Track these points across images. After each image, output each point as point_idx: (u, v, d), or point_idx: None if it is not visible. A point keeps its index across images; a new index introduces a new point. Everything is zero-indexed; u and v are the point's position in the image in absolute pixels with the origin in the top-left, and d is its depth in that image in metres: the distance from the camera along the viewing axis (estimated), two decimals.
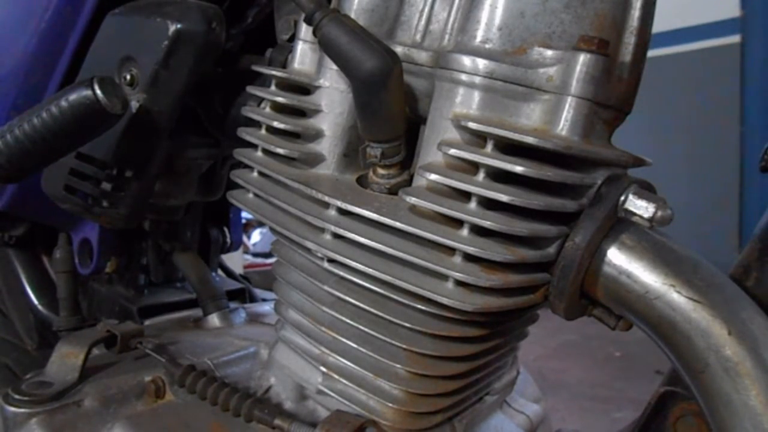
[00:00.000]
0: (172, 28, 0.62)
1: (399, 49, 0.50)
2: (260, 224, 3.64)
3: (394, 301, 0.48)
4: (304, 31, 0.57)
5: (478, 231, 0.44)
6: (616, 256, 0.45)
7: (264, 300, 0.99)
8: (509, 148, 0.44)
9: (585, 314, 0.50)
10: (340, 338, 0.51)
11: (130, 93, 0.64)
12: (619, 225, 0.45)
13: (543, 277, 0.46)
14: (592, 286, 0.46)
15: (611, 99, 0.46)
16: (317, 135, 0.54)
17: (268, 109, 0.57)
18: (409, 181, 0.50)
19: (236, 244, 1.08)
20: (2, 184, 0.81)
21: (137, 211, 0.69)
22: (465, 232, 0.44)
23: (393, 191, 0.50)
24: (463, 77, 0.44)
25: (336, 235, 0.49)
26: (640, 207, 0.45)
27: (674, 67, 3.62)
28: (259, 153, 0.57)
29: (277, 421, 0.51)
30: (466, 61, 0.44)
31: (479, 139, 0.45)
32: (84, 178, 0.67)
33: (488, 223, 0.43)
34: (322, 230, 0.49)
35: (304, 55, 0.57)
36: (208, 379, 0.56)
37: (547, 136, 0.43)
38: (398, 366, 0.49)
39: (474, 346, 0.50)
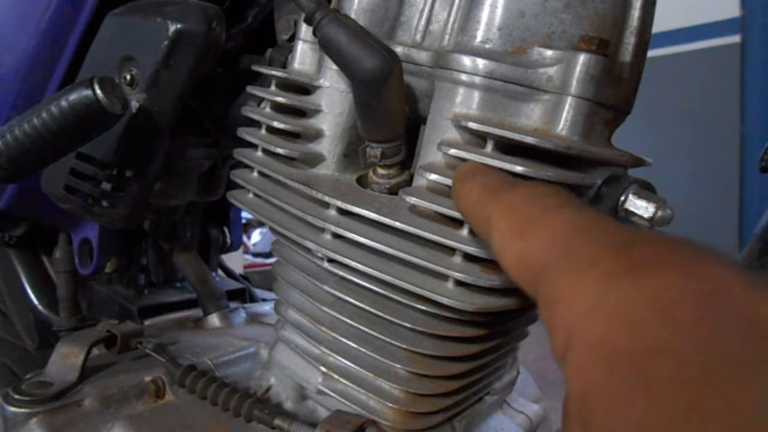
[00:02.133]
0: (172, 28, 0.62)
1: (399, 49, 0.50)
2: (260, 224, 3.64)
3: (394, 301, 0.48)
4: (304, 31, 0.57)
5: None
6: None
7: (264, 300, 0.99)
8: (509, 148, 0.44)
9: None
10: (340, 338, 0.51)
11: (130, 93, 0.64)
12: None
13: None
14: None
15: (611, 99, 0.46)
16: (317, 135, 0.54)
17: (268, 109, 0.57)
18: (409, 181, 0.50)
19: (236, 244, 1.08)
20: (2, 184, 0.81)
21: (137, 211, 0.69)
22: (465, 232, 0.44)
23: (393, 191, 0.50)
24: (463, 77, 0.44)
25: (336, 235, 0.49)
26: (640, 207, 0.45)
27: (674, 67, 3.62)
28: (259, 153, 0.57)
29: (277, 421, 0.51)
30: (466, 61, 0.44)
31: (479, 139, 0.45)
32: (84, 178, 0.67)
33: None
34: (322, 230, 0.49)
35: (304, 55, 0.57)
36: (208, 379, 0.56)
37: (547, 136, 0.43)
38: (398, 366, 0.49)
39: (474, 346, 0.50)
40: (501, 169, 0.41)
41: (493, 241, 0.31)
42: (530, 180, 0.41)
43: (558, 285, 0.26)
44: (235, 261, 2.67)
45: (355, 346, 0.50)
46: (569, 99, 0.43)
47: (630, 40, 0.47)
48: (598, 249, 0.25)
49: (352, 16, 0.51)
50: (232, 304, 0.86)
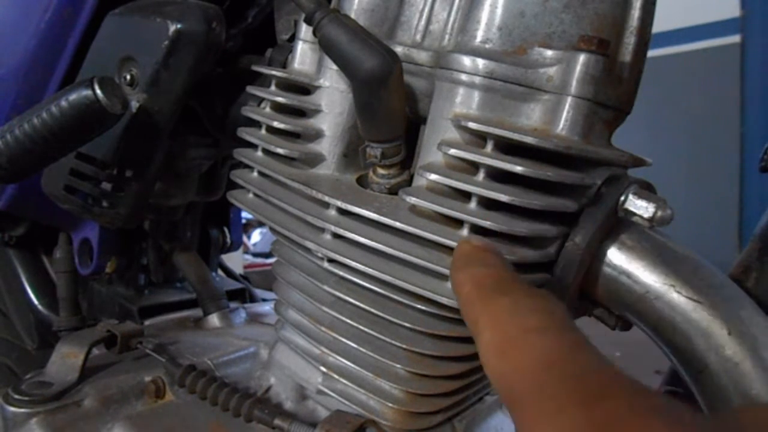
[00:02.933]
0: (172, 28, 0.62)
1: (399, 49, 0.50)
2: (260, 224, 3.64)
3: (394, 301, 0.48)
4: (304, 31, 0.57)
5: (478, 231, 0.44)
6: (616, 256, 0.45)
7: (264, 300, 0.99)
8: (509, 148, 0.44)
9: (585, 314, 0.50)
10: (340, 338, 0.51)
11: (130, 93, 0.64)
12: (619, 225, 0.45)
13: (543, 277, 0.46)
14: (592, 286, 0.46)
15: (611, 99, 0.46)
16: (317, 135, 0.54)
17: (268, 109, 0.57)
18: (409, 181, 0.50)
19: (236, 244, 1.08)
20: (2, 184, 0.81)
21: (137, 211, 0.69)
22: (465, 232, 0.44)
23: (393, 191, 0.50)
24: (463, 77, 0.44)
25: (336, 235, 0.49)
26: (640, 207, 0.45)
27: (674, 67, 3.63)
28: (259, 153, 0.57)
29: (277, 421, 0.51)
30: (466, 61, 0.44)
31: (479, 139, 0.45)
32: (84, 178, 0.67)
33: (488, 223, 0.43)
34: (322, 230, 0.49)
35: (304, 55, 0.57)
36: (208, 379, 0.56)
37: (547, 136, 0.43)
38: (398, 366, 0.49)
39: (474, 346, 0.50)
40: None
41: (478, 348, 0.34)
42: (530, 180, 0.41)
43: (527, 425, 0.28)
44: (235, 261, 2.67)
45: (355, 346, 0.50)
46: (569, 99, 0.43)
47: (630, 40, 0.47)
48: (566, 397, 0.27)
49: (352, 16, 0.51)
50: (232, 304, 0.86)
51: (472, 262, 0.38)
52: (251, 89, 0.59)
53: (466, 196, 0.44)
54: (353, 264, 0.47)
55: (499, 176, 0.44)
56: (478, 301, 0.35)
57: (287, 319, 0.57)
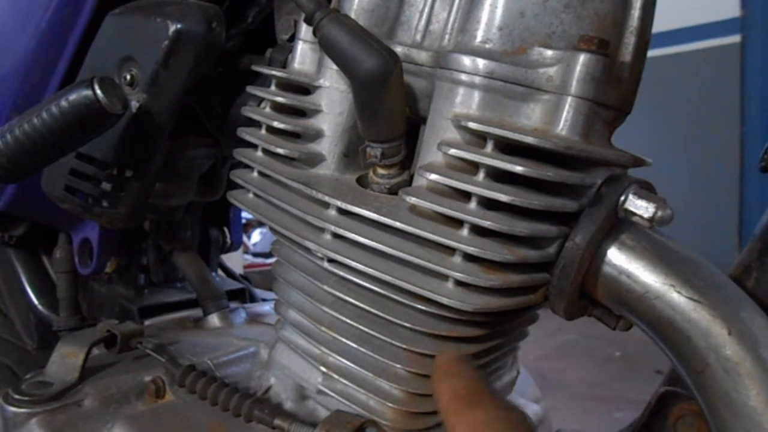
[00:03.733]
0: (172, 28, 0.62)
1: (399, 49, 0.50)
2: (260, 224, 3.64)
3: (394, 301, 0.48)
4: (304, 31, 0.57)
5: (478, 231, 0.44)
6: (616, 256, 0.45)
7: (264, 300, 0.99)
8: (509, 148, 0.44)
9: (585, 314, 0.50)
10: (340, 338, 0.51)
11: (130, 93, 0.64)
12: (619, 225, 0.45)
13: (543, 277, 0.46)
14: (592, 286, 0.46)
15: (611, 99, 0.46)
16: (317, 135, 0.54)
17: (268, 109, 0.57)
18: (409, 181, 0.50)
19: (236, 244, 1.08)
20: (2, 184, 0.81)
21: (137, 211, 0.69)
22: (465, 232, 0.44)
23: (393, 191, 0.50)
24: (463, 77, 0.44)
25: (336, 235, 0.49)
26: (640, 207, 0.45)
27: (674, 67, 3.63)
28: (259, 153, 0.57)
29: (277, 421, 0.51)
30: (466, 61, 0.44)
31: (479, 139, 0.45)
32: (84, 178, 0.67)
33: (488, 223, 0.43)
34: (322, 230, 0.49)
35: (304, 55, 0.57)
36: (208, 379, 0.56)
37: (547, 136, 0.43)
38: (398, 366, 0.49)
39: (474, 346, 0.50)
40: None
41: None
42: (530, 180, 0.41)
43: None
44: (235, 261, 2.68)
45: (355, 346, 0.50)
46: (569, 99, 0.43)
47: (630, 40, 0.47)
48: None
49: (352, 16, 0.51)
50: (232, 304, 0.86)
51: (449, 374, 0.43)
52: (251, 89, 0.59)
53: (466, 196, 0.44)
54: (353, 264, 0.47)
55: (499, 176, 0.44)
56: (455, 411, 0.40)
57: (287, 319, 0.57)
